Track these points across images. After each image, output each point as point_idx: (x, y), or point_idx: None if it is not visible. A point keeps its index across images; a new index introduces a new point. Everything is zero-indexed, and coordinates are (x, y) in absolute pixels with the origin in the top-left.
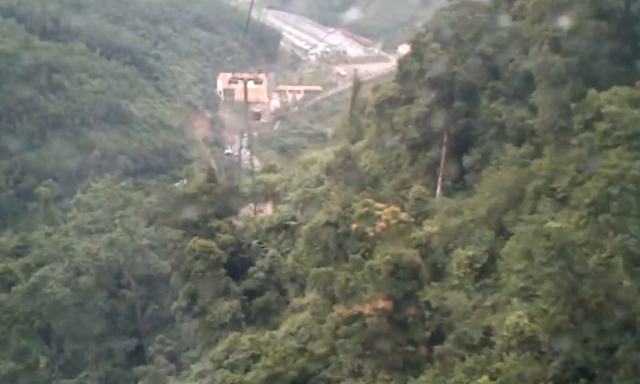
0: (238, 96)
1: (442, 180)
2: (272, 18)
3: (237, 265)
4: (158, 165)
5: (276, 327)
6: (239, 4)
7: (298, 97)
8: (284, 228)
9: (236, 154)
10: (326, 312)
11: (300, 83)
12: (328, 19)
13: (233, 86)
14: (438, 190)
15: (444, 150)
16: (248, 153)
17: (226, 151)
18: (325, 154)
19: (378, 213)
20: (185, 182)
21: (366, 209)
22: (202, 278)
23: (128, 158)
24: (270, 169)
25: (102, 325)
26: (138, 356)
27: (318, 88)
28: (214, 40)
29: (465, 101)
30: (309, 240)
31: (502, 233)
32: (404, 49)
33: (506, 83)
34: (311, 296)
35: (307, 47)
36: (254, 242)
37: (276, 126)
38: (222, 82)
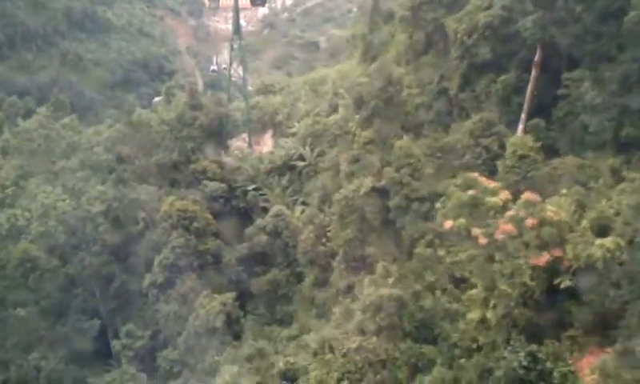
0: (224, 1)
1: (527, 116)
2: None
3: (228, 215)
4: (137, 77)
5: (287, 323)
6: None
7: (288, 2)
8: (289, 169)
9: (224, 66)
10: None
11: None
12: None
13: None
14: (520, 130)
15: (534, 71)
16: (237, 66)
17: (212, 67)
18: (337, 73)
19: (492, 200)
20: (163, 97)
21: (471, 192)
22: (182, 254)
23: (105, 69)
24: (266, 89)
25: (54, 305)
26: (101, 341)
27: None
28: None
29: None
30: (343, 213)
31: None
32: None
33: None
34: (354, 312)
35: None
36: (251, 189)
37: (264, 34)
38: None
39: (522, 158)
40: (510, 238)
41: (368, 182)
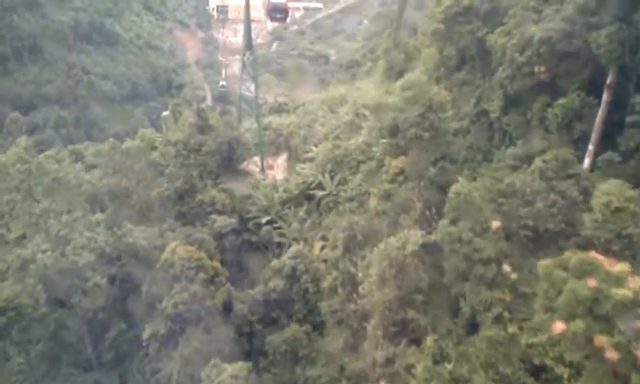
0: (233, 13)
1: (596, 148)
2: None
3: (239, 251)
4: (145, 91)
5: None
6: None
7: (297, 14)
8: (306, 199)
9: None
10: None
11: None
12: None
13: (227, 1)
14: (587, 164)
15: (606, 95)
16: (249, 83)
17: (221, 83)
18: (357, 91)
19: (619, 293)
20: (169, 113)
21: (591, 283)
22: (187, 311)
23: (113, 83)
24: (280, 108)
25: (42, 356)
26: None
27: (319, 5)
28: None
29: None
30: (384, 274)
31: None
32: None
33: None
34: None
35: None
36: (265, 221)
37: (274, 47)
38: None
39: (617, 211)
40: None
41: (417, 238)
